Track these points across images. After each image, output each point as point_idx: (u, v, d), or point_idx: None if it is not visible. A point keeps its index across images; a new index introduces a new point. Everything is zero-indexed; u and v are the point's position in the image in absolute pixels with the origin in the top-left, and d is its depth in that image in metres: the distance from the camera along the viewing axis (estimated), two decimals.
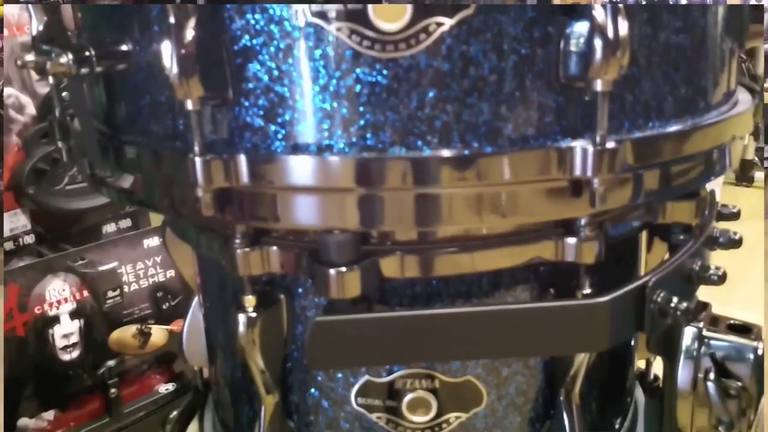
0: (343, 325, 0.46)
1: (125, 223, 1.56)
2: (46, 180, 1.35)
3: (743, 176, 3.91)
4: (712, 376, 0.54)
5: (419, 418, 0.52)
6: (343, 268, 0.44)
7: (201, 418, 0.73)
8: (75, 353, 1.39)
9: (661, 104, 0.47)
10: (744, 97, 0.57)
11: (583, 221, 0.46)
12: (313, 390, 0.54)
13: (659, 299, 0.47)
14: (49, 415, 1.39)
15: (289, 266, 0.48)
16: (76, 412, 1.43)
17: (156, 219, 1.60)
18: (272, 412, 0.54)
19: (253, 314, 0.50)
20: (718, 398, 0.54)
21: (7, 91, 1.33)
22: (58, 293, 1.35)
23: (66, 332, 1.37)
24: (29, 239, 1.42)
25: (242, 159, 0.43)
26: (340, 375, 0.53)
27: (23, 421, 1.36)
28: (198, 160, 0.43)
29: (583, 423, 0.53)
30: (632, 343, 0.63)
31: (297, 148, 0.44)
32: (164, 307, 1.48)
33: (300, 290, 0.52)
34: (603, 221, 0.49)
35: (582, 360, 0.50)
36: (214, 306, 0.62)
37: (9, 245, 1.39)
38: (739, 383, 0.54)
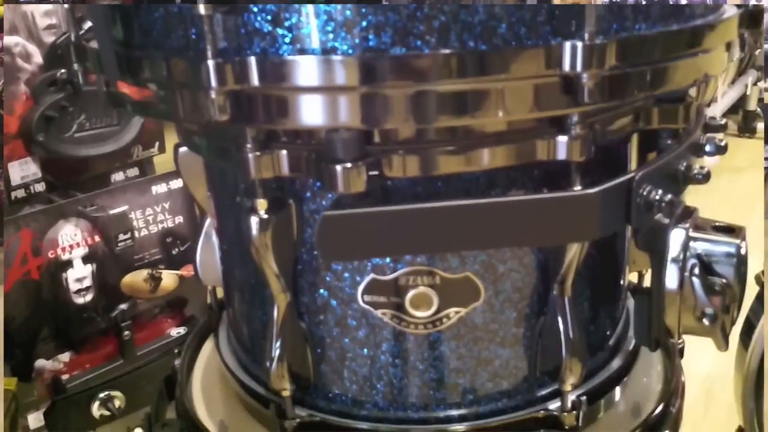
0: (349, 219, 0.49)
1: (132, 171, 1.59)
2: (55, 127, 1.38)
3: (746, 127, 3.93)
4: (697, 271, 0.57)
5: (421, 313, 0.56)
6: (349, 164, 0.47)
7: (216, 336, 0.77)
8: (88, 297, 1.43)
9: (648, 8, 0.50)
10: (731, 10, 0.60)
11: (574, 119, 0.49)
12: (322, 290, 0.58)
13: (645, 193, 0.50)
14: (65, 356, 1.44)
15: (297, 168, 0.51)
16: (91, 354, 1.48)
17: (162, 167, 1.63)
18: (284, 312, 0.57)
19: (265, 216, 0.53)
20: (704, 294, 0.57)
21: (14, 39, 1.35)
22: (71, 238, 1.38)
23: (79, 276, 1.41)
24: (40, 187, 1.45)
25: (252, 61, 0.46)
26: (347, 275, 0.56)
27: (40, 363, 1.41)
28: (211, 63, 0.46)
29: (575, 320, 0.57)
30: (624, 249, 0.66)
31: (303, 51, 0.47)
32: (174, 252, 1.52)
33: (308, 194, 0.55)
34: (593, 122, 0.51)
35: (573, 255, 0.53)
36: (227, 220, 0.65)
37: (21, 193, 1.42)
38: (724, 280, 0.58)
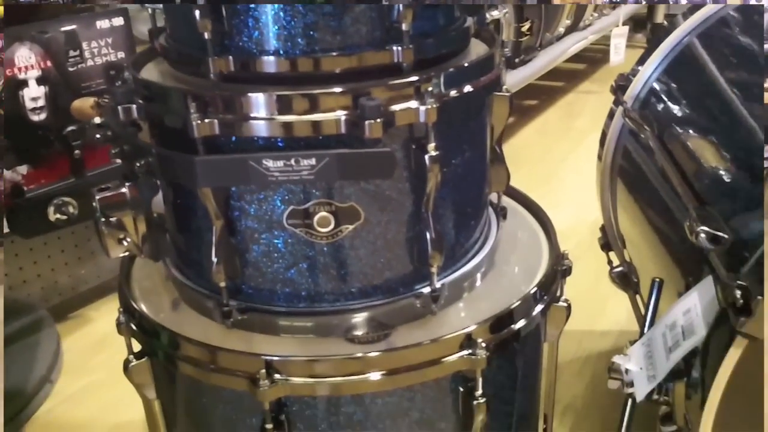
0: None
1: None
2: None
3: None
4: None
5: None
6: None
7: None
8: (43, 115, 1.64)
9: None
10: None
11: None
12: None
13: None
14: (23, 169, 1.65)
15: None
16: (46, 170, 1.69)
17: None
18: None
19: None
20: None
21: None
22: (25, 60, 1.58)
23: (34, 95, 1.61)
24: None
25: None
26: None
27: None
28: None
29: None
30: None
31: None
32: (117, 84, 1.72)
33: None
34: None
35: None
36: None
37: None
38: None
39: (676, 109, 1.42)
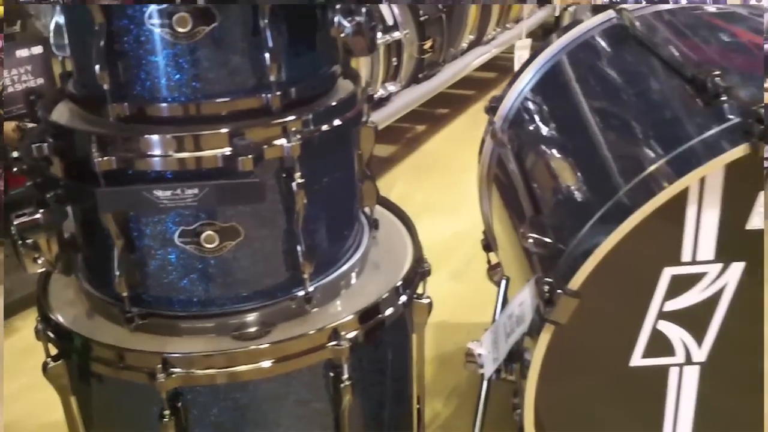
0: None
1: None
2: None
3: None
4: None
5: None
6: None
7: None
8: None
9: None
10: None
11: None
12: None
13: None
14: None
15: None
16: None
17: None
18: None
19: None
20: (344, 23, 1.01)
21: None
22: None
23: None
24: None
25: None
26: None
27: None
28: None
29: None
30: None
31: None
32: (36, 109, 1.85)
33: None
34: None
35: None
36: None
37: None
38: (360, 19, 1.01)
39: (539, 128, 1.62)
